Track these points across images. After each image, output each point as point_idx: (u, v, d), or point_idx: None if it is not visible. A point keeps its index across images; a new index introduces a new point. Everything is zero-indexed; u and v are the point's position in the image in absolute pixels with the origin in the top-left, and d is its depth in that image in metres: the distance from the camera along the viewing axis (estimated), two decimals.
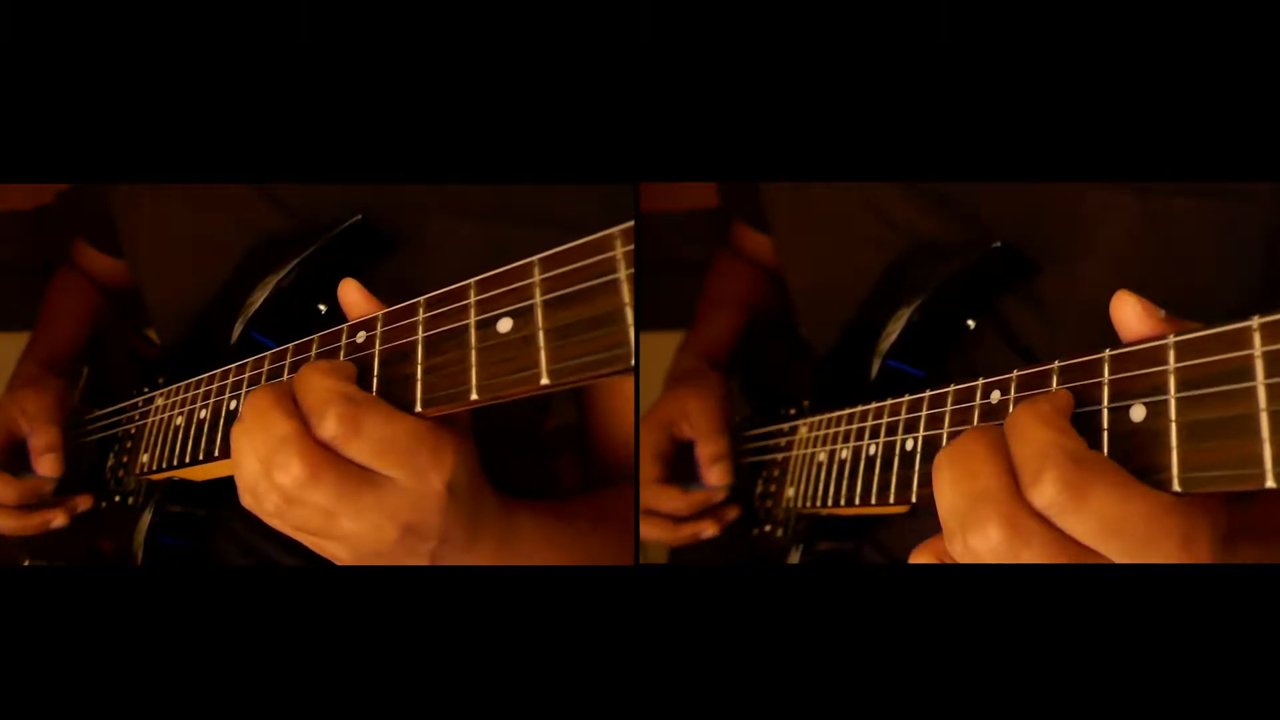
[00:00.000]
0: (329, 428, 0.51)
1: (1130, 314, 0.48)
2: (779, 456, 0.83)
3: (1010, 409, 0.53)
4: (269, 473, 0.51)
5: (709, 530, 0.86)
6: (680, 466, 0.88)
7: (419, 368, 0.52)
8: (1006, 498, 0.47)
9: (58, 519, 0.79)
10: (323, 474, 0.51)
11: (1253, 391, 0.41)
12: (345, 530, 0.53)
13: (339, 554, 0.55)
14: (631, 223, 0.46)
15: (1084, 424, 0.48)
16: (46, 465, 0.80)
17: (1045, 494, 0.45)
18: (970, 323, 0.72)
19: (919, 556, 0.55)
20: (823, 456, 0.74)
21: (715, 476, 0.86)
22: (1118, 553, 0.45)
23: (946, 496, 0.50)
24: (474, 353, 0.50)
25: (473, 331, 0.50)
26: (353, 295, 0.58)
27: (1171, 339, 0.45)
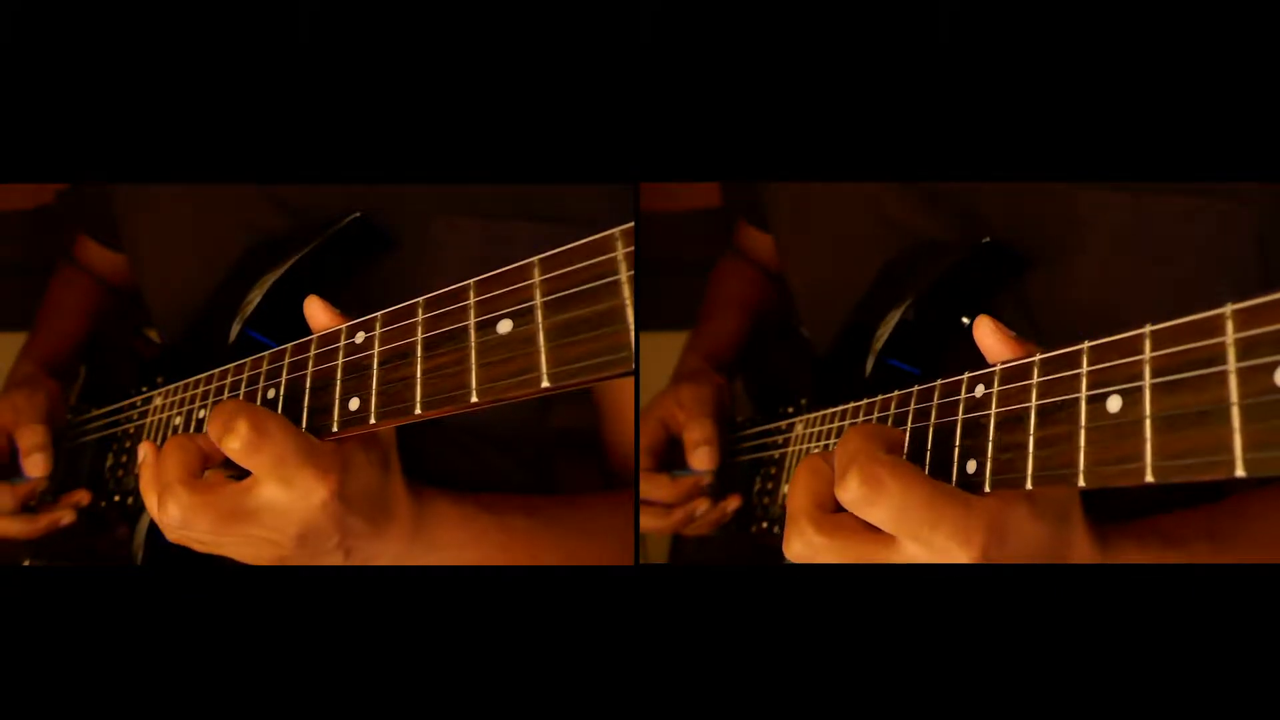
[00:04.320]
0: (236, 439, 0.56)
1: (989, 337, 0.55)
2: (776, 454, 0.84)
3: (994, 402, 0.55)
4: (161, 512, 0.59)
5: (702, 507, 0.87)
6: (675, 457, 0.89)
7: (419, 369, 0.52)
8: (804, 514, 0.56)
9: (66, 517, 0.80)
10: (195, 517, 0.57)
11: (1224, 378, 0.41)
12: (234, 551, 0.61)
13: (244, 560, 0.62)
14: (631, 223, 0.45)
15: (1063, 416, 0.49)
16: (34, 465, 0.80)
17: (850, 489, 0.53)
18: (964, 319, 0.72)
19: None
20: (816, 453, 0.74)
21: (699, 461, 0.87)
22: (908, 535, 0.52)
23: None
24: (474, 354, 0.49)
25: (472, 333, 0.50)
26: (317, 312, 0.60)
27: (1148, 328, 0.45)
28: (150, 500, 0.61)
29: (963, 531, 0.52)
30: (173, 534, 0.61)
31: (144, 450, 0.63)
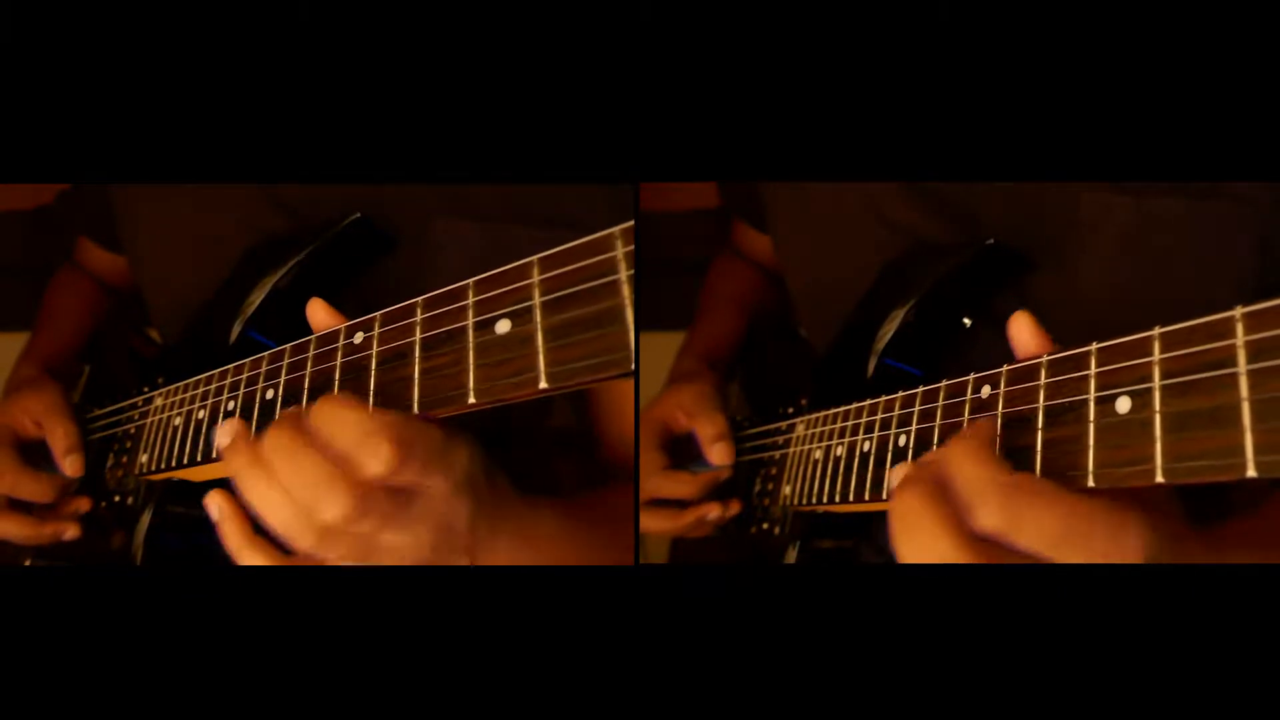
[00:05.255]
0: (380, 462, 0.50)
1: (1025, 332, 0.55)
2: (776, 455, 0.84)
3: (1000, 403, 0.54)
4: (310, 513, 0.51)
5: (714, 512, 0.86)
6: (680, 456, 0.89)
7: (416, 369, 0.52)
8: (964, 553, 0.50)
9: (70, 531, 0.79)
10: (370, 505, 0.51)
11: (1235, 381, 0.41)
12: (386, 545, 0.53)
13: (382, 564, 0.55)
14: (631, 222, 0.45)
15: (1071, 417, 0.49)
16: (71, 465, 0.79)
17: (988, 525, 0.49)
18: (966, 321, 0.72)
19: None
20: (818, 454, 0.74)
21: (718, 455, 0.86)
22: (1066, 557, 0.49)
23: (907, 556, 0.53)
24: (471, 354, 0.49)
25: (470, 333, 0.49)
26: (319, 315, 0.59)
27: (1157, 331, 0.45)
28: (280, 507, 0.52)
29: (1120, 534, 0.50)
30: (322, 540, 0.52)
31: (234, 445, 0.55)
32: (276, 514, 0.52)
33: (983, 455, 0.51)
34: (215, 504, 0.58)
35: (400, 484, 0.52)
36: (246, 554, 0.57)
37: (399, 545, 0.53)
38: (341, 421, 0.51)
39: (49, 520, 0.79)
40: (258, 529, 0.56)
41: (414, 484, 0.52)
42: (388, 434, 0.50)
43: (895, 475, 0.58)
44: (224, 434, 0.57)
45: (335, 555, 0.53)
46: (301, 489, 0.51)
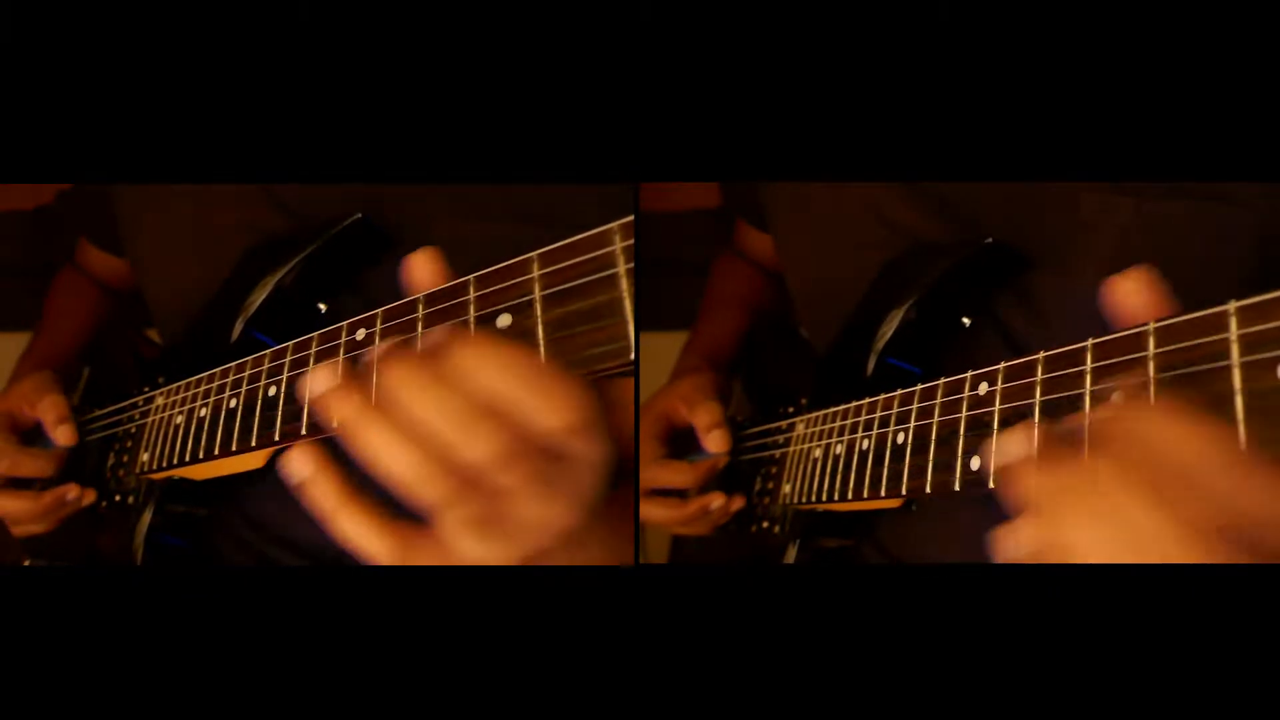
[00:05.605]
0: (559, 417, 0.42)
1: (1134, 295, 0.47)
2: (777, 454, 0.84)
3: (997, 400, 0.54)
4: (449, 452, 0.43)
5: (716, 502, 0.85)
6: (682, 450, 0.89)
7: None
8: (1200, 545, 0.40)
9: (72, 491, 0.79)
10: (525, 452, 0.43)
11: (1228, 374, 0.42)
12: (523, 517, 0.44)
13: (505, 554, 0.46)
14: (630, 217, 0.46)
15: (1068, 412, 0.49)
16: (64, 434, 0.81)
17: (1024, 548, 0.43)
18: (965, 320, 0.72)
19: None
20: (818, 452, 0.75)
21: (715, 443, 0.86)
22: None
23: (1105, 553, 0.42)
24: None
25: (472, 327, 0.50)
26: (422, 268, 0.51)
27: (1151, 325, 0.45)
28: (408, 451, 0.43)
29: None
30: (456, 489, 0.43)
31: (340, 391, 0.46)
32: (401, 459, 0.43)
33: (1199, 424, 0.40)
34: (301, 459, 0.47)
35: (556, 445, 0.44)
36: (344, 515, 0.47)
37: (536, 519, 0.44)
38: (505, 364, 0.43)
39: (46, 491, 0.80)
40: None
41: (571, 449, 0.44)
42: (564, 387, 0.43)
43: (1011, 444, 0.47)
44: (320, 380, 0.48)
45: (461, 516, 0.44)
46: (442, 423, 0.42)
